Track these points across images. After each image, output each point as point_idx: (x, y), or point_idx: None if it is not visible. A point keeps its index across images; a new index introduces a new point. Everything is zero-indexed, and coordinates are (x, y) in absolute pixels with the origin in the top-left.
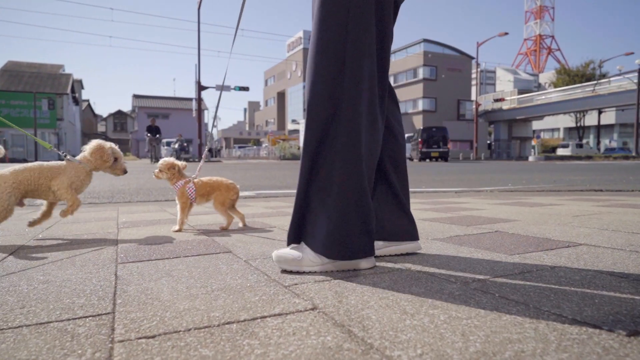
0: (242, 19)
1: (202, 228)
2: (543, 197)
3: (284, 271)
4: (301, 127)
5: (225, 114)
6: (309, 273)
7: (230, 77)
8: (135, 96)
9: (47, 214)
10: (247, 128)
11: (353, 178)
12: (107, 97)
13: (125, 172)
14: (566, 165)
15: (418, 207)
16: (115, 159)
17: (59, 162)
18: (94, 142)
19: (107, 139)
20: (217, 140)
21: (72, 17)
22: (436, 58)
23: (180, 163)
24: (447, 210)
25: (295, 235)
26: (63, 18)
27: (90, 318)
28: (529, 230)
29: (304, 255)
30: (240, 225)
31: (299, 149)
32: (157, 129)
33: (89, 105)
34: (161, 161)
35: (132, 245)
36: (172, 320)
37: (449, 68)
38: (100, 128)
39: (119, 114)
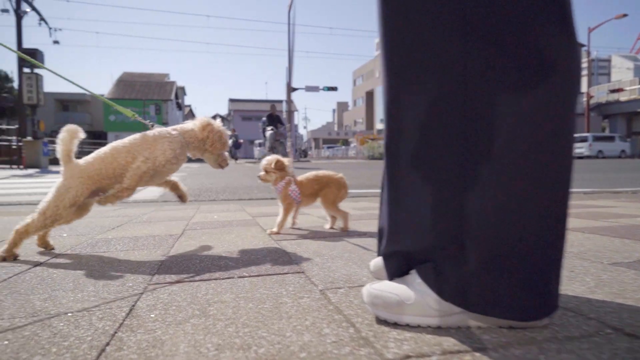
0: (328, 16)
1: (284, 231)
2: None
3: (382, 321)
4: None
5: (315, 115)
6: (426, 328)
7: (318, 78)
8: (231, 100)
9: (180, 195)
10: (335, 128)
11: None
12: (206, 101)
13: (227, 164)
14: None
15: None
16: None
17: (142, 136)
18: (203, 119)
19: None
20: (306, 140)
21: (175, 27)
22: None
23: (286, 160)
24: (595, 217)
25: (402, 263)
26: (167, 28)
27: None
28: None
29: (418, 298)
30: (327, 226)
31: None
32: (278, 118)
33: (191, 109)
34: (265, 160)
35: (184, 256)
36: None
37: None
38: None
39: (216, 118)
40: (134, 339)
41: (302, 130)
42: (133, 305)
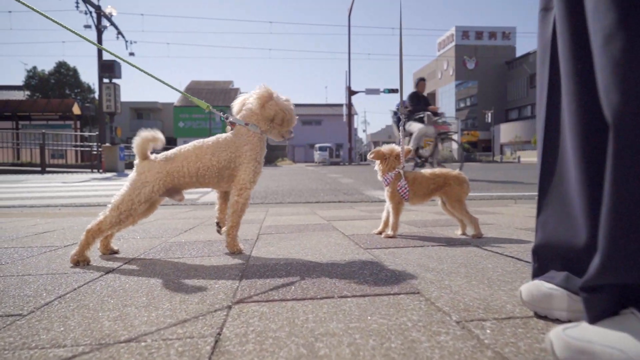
0: (390, 17)
1: (369, 238)
2: None
3: None
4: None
5: (374, 118)
6: None
7: (378, 79)
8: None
9: (225, 208)
10: (395, 131)
11: None
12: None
13: (291, 135)
14: None
15: None
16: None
17: (226, 139)
18: (259, 92)
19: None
20: (366, 144)
21: (239, 34)
22: None
23: (396, 149)
24: None
25: (613, 300)
26: (232, 36)
27: None
28: None
29: None
30: (458, 232)
31: (450, 151)
32: (426, 101)
33: None
34: (374, 150)
35: (266, 265)
36: None
37: None
38: None
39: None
40: None
41: (361, 134)
42: (219, 334)
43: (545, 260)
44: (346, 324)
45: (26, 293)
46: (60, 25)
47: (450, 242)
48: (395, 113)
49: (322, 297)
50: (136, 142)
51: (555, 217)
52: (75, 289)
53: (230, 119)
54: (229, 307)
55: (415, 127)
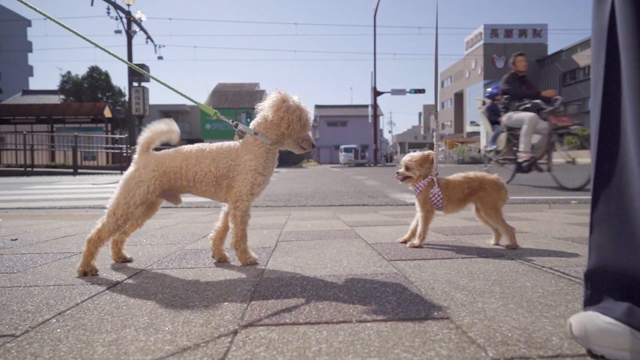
0: (416, 16)
1: (392, 247)
2: None
3: None
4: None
5: (400, 119)
6: None
7: (404, 80)
8: (317, 106)
9: (225, 228)
10: (422, 132)
11: None
12: None
13: (311, 145)
14: None
15: None
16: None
17: (229, 147)
18: (274, 97)
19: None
20: (391, 145)
21: (265, 36)
22: None
23: (432, 154)
24: None
25: None
26: (256, 38)
27: None
28: None
29: None
30: (491, 242)
31: (479, 151)
32: (528, 82)
33: None
34: (408, 156)
35: (281, 279)
36: None
37: None
38: None
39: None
40: None
41: (387, 135)
42: None
43: (600, 287)
44: (364, 358)
45: (27, 308)
46: (89, 41)
47: (481, 254)
48: (484, 103)
49: (338, 321)
50: (144, 135)
51: (614, 237)
52: (77, 304)
53: (240, 127)
54: (235, 332)
55: (522, 117)
